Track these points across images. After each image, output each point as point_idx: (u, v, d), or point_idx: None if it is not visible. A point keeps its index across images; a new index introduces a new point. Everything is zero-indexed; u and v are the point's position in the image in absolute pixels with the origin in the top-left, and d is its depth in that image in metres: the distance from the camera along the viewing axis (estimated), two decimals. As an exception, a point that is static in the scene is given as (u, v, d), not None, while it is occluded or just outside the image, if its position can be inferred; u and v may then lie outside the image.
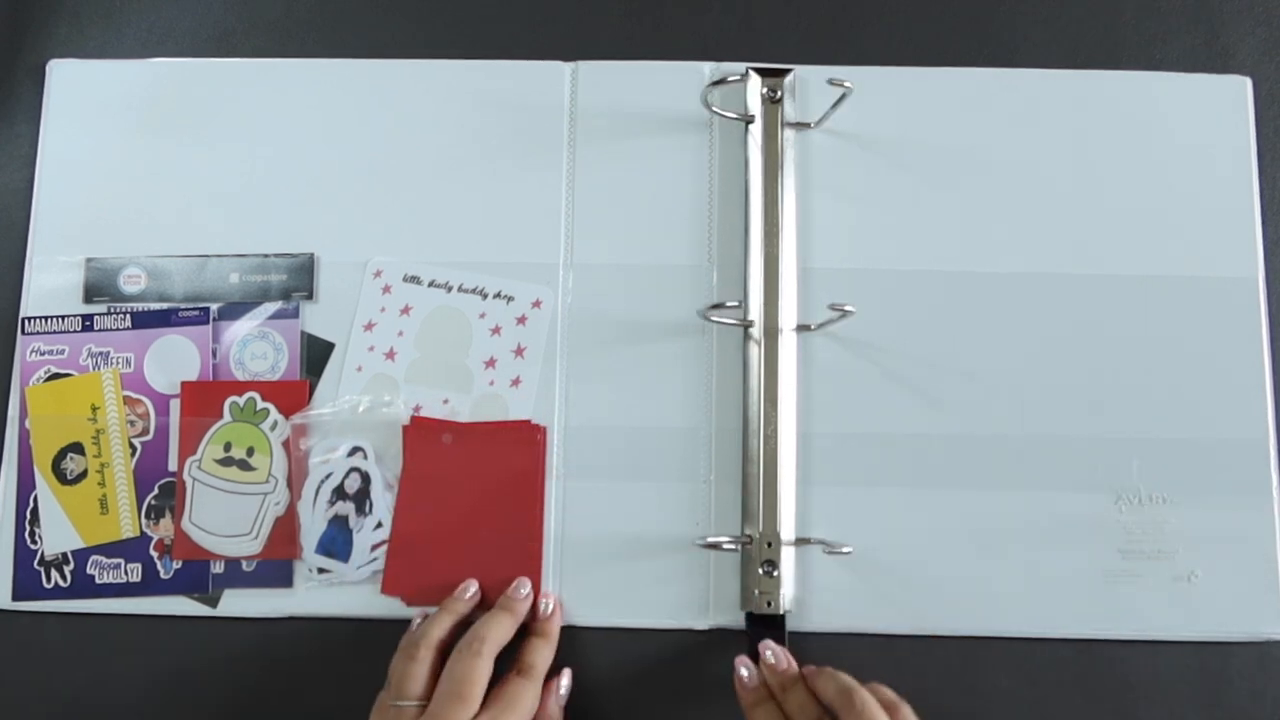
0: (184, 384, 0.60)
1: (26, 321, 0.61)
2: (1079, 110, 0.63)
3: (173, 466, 0.60)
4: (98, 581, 0.59)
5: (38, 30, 0.65)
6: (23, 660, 0.59)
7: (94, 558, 0.59)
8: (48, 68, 0.64)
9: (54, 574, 0.59)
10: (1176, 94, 0.63)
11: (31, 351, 0.61)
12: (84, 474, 0.60)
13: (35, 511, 0.59)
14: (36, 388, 0.60)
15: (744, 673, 0.55)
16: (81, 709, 0.58)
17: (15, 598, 0.59)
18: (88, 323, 0.61)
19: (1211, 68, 0.64)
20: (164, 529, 0.59)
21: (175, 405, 0.60)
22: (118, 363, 0.60)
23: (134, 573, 0.59)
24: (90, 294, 0.62)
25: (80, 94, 0.64)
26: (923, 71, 0.63)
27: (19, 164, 0.64)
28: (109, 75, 0.64)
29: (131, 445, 0.60)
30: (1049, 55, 0.64)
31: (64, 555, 0.59)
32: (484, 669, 0.52)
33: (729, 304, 0.59)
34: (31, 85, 0.64)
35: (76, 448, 0.60)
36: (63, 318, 0.61)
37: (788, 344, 0.59)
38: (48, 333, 0.61)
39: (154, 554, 0.59)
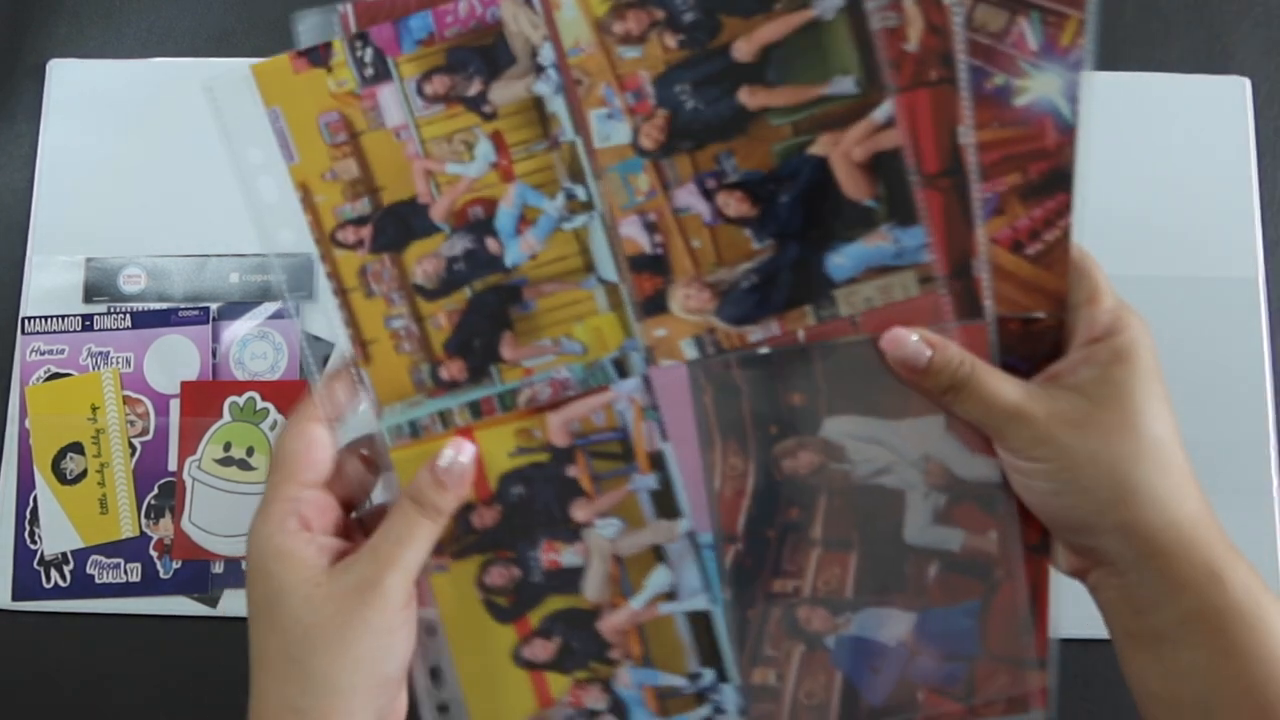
0: (184, 384, 0.60)
1: (26, 321, 0.61)
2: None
3: (173, 466, 0.60)
4: (97, 581, 0.59)
5: (38, 30, 0.65)
6: (23, 660, 0.59)
7: (94, 557, 0.59)
8: (48, 67, 0.64)
9: (53, 574, 0.59)
10: (1176, 94, 0.63)
11: (31, 351, 0.61)
12: (84, 474, 0.60)
13: (35, 511, 0.59)
14: (36, 387, 0.60)
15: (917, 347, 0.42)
16: (81, 709, 0.58)
17: (15, 598, 0.59)
18: (88, 322, 0.61)
19: (1211, 68, 0.64)
20: (164, 529, 0.59)
21: (175, 405, 0.60)
22: (118, 362, 0.60)
23: (133, 572, 0.59)
24: (90, 294, 0.62)
25: (80, 94, 0.64)
26: (923, 71, 0.63)
27: (19, 164, 0.64)
28: (109, 75, 0.64)
29: (131, 445, 0.60)
30: (1049, 55, 0.64)
31: (63, 555, 0.59)
32: None
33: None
34: (31, 85, 0.64)
35: (76, 447, 0.60)
36: (63, 317, 0.61)
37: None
38: (48, 332, 0.61)
39: (154, 554, 0.59)
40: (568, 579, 0.45)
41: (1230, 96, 0.63)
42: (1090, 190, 0.62)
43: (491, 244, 0.44)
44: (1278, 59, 0.64)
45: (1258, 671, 0.39)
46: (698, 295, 0.43)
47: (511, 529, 0.44)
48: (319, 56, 0.44)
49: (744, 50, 0.42)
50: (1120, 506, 0.40)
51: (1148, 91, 0.63)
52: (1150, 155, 0.62)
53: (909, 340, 0.42)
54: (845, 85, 0.42)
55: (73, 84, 0.64)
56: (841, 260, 0.43)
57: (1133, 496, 0.40)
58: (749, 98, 0.42)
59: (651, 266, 0.43)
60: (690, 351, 0.43)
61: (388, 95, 0.43)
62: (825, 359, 0.43)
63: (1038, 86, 0.42)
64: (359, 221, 0.43)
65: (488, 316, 0.44)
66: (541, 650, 0.45)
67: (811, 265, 0.43)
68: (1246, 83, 0.63)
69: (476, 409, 0.44)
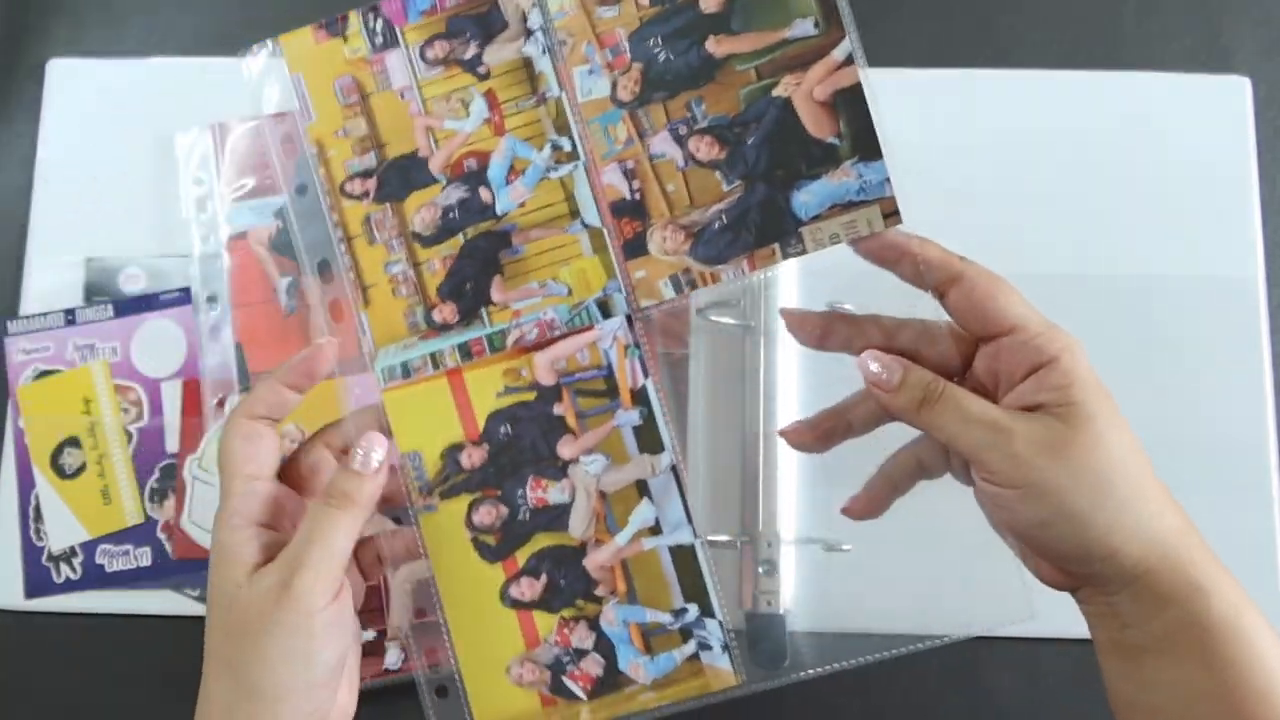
0: (185, 382, 0.60)
1: (9, 322, 0.61)
2: (1079, 110, 0.63)
3: (170, 448, 0.60)
4: (108, 570, 0.59)
5: (38, 30, 0.66)
6: (39, 658, 0.59)
7: (102, 546, 0.59)
8: (47, 67, 0.65)
9: (63, 568, 0.59)
10: (1176, 94, 0.63)
11: (18, 351, 0.61)
12: (83, 467, 0.60)
13: (38, 509, 0.59)
14: (27, 387, 0.60)
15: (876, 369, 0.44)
16: (92, 707, 0.58)
17: (29, 595, 0.59)
18: (70, 317, 0.61)
19: (1211, 68, 0.64)
20: (169, 510, 0.59)
21: (166, 388, 0.60)
22: (105, 353, 0.60)
23: (143, 557, 0.59)
24: (90, 294, 0.62)
25: (80, 94, 0.64)
26: (922, 73, 0.63)
27: (19, 164, 0.64)
28: (109, 75, 0.64)
29: (127, 433, 0.60)
30: (1049, 55, 0.64)
31: (72, 548, 0.59)
32: None
33: (728, 303, 0.59)
34: (31, 85, 0.65)
35: (73, 442, 0.60)
36: (44, 315, 0.61)
37: (787, 344, 0.59)
38: (31, 331, 0.61)
39: (162, 536, 0.59)
40: (554, 516, 0.46)
41: (1230, 96, 0.63)
42: (1091, 190, 0.62)
43: (484, 193, 0.47)
44: (1278, 59, 0.64)
45: (1237, 684, 0.39)
46: (673, 237, 0.46)
47: (499, 468, 0.46)
48: (337, 27, 0.47)
49: (710, 2, 0.45)
50: (1110, 535, 0.40)
51: (1148, 91, 0.63)
52: (1150, 155, 0.62)
53: (881, 359, 0.43)
54: (805, 27, 0.45)
55: (73, 84, 0.64)
56: (807, 198, 0.45)
57: (1119, 523, 0.40)
58: (715, 46, 0.45)
59: (631, 211, 0.46)
60: (668, 291, 0.46)
61: (394, 60, 0.47)
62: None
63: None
64: (365, 174, 0.47)
65: (479, 261, 0.47)
66: (529, 589, 0.46)
67: (778, 204, 0.45)
68: (1246, 83, 0.63)
69: (466, 351, 0.46)
